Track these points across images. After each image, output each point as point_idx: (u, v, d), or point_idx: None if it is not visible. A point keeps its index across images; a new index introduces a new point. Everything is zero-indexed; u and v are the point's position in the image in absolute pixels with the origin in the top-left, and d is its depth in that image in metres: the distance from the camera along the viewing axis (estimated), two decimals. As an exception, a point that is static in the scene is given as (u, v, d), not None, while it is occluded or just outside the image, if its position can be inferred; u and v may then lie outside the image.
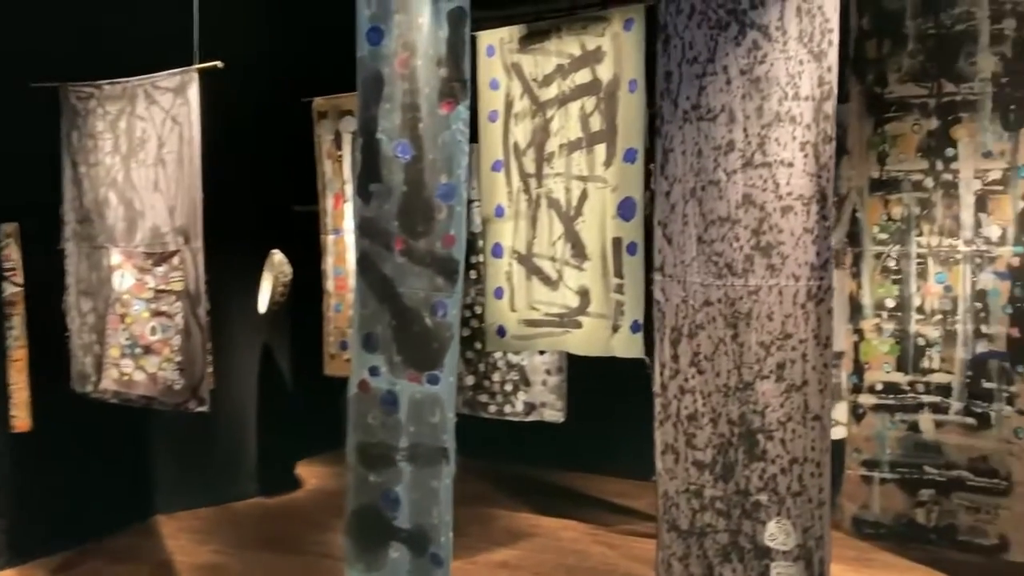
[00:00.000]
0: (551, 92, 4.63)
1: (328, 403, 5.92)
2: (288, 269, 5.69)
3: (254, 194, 5.96)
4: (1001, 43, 4.00)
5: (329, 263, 6.03)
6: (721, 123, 3.31)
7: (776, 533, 3.27)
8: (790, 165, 3.20)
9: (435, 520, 3.87)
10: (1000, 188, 4.04)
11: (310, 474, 7.00)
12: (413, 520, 3.93)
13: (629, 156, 4.66)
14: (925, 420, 4.23)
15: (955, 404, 4.16)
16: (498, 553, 5.36)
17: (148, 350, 4.90)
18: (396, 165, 3.94)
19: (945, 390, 4.18)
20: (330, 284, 6.03)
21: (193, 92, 4.68)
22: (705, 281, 3.38)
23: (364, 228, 4.01)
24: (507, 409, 5.88)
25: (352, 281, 5.75)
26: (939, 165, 4.16)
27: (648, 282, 4.52)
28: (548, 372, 5.81)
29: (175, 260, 4.80)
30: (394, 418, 3.96)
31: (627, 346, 4.82)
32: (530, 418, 5.84)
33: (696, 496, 3.41)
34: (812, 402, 3.19)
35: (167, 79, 4.80)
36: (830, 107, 3.14)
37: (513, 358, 5.83)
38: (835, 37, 3.14)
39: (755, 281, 3.28)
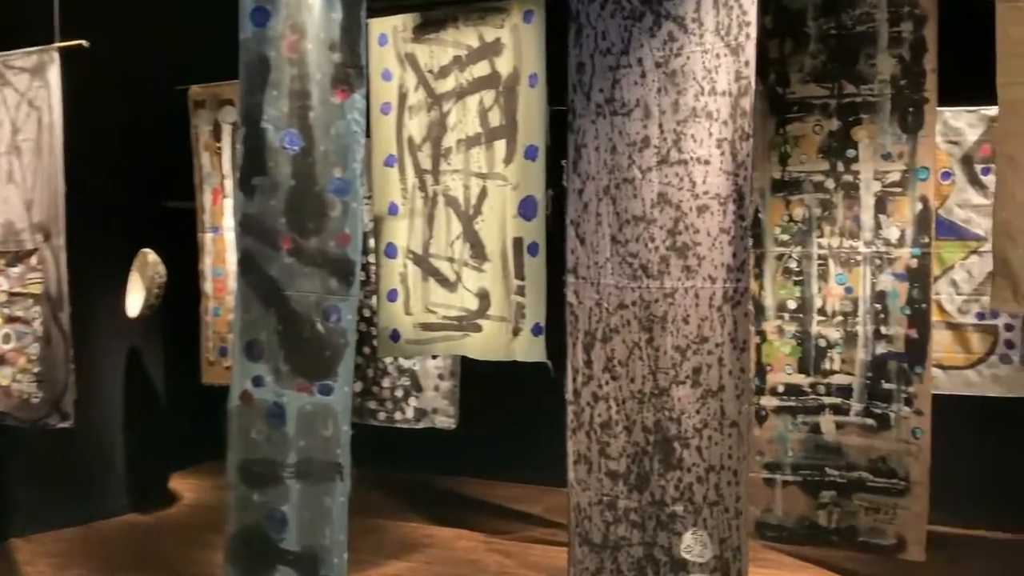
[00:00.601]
0: (448, 85, 4.43)
1: (206, 412, 5.54)
2: (163, 270, 5.29)
3: (123, 188, 5.54)
4: (899, 46, 4.01)
5: (207, 263, 5.65)
6: (636, 118, 3.18)
7: (692, 545, 3.16)
8: (707, 163, 3.09)
9: (327, 541, 3.62)
10: (899, 190, 4.06)
11: (186, 487, 6.57)
12: (302, 541, 3.66)
13: (530, 153, 4.52)
14: (826, 422, 4.22)
15: (855, 405, 4.17)
16: (390, 566, 5.12)
17: (1, 360, 4.44)
18: (283, 157, 3.67)
19: (846, 391, 4.18)
20: (208, 286, 5.65)
21: (53, 74, 4.27)
22: (619, 283, 3.24)
23: (247, 225, 3.72)
24: (397, 416, 5.64)
25: (233, 283, 5.40)
26: (840, 166, 4.16)
27: (551, 284, 4.41)
28: (440, 377, 5.60)
29: (33, 260, 4.36)
30: (281, 432, 3.68)
31: (528, 350, 4.67)
32: (421, 425, 5.62)
33: (610, 508, 3.27)
34: (729, 408, 3.09)
35: (23, 58, 4.36)
36: (747, 103, 3.05)
37: (404, 363, 5.59)
38: (753, 31, 3.05)
39: (671, 283, 3.17)
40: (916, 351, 4.05)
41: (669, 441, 3.16)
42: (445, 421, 5.57)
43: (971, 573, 4.60)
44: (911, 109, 4.00)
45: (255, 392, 3.73)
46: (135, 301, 5.44)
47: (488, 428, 5.96)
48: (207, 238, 5.66)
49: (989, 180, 4.39)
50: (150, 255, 5.35)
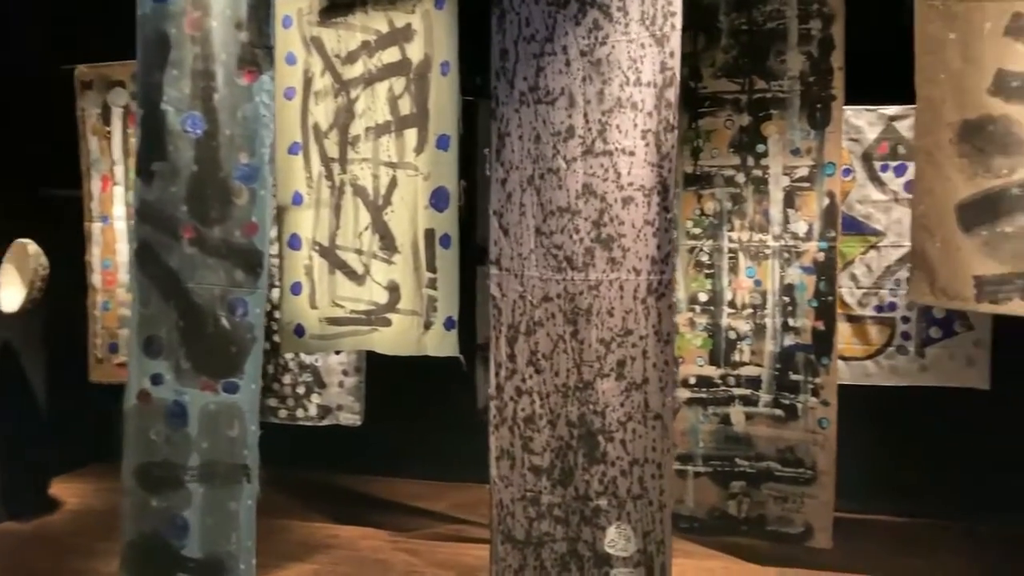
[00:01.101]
0: (356, 71, 4.28)
1: (91, 412, 5.22)
2: (45, 261, 4.94)
3: (-1, 175, 5.15)
4: (808, 43, 4.09)
5: (95, 255, 5.31)
6: (560, 107, 3.12)
7: (616, 539, 3.13)
8: (631, 154, 3.06)
9: (233, 547, 3.45)
10: (807, 185, 4.14)
11: (68, 492, 6.17)
12: (206, 548, 3.48)
13: (442, 143, 4.42)
14: (736, 413, 4.28)
15: (764, 396, 4.24)
16: (292, 569, 4.92)
17: None
18: (185, 141, 3.47)
19: (755, 383, 4.24)
20: (96, 279, 5.32)
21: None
22: (544, 275, 3.18)
23: (145, 214, 3.51)
24: (299, 414, 5.45)
25: (124, 275, 5.11)
26: (750, 161, 4.21)
27: (464, 276, 4.32)
28: (345, 373, 5.43)
29: (-100, 249, 4.01)
30: (182, 433, 3.49)
31: (440, 344, 4.57)
32: (325, 422, 5.44)
33: (533, 504, 3.21)
34: (653, 400, 3.08)
35: None
36: (672, 94, 3.03)
37: (306, 358, 5.40)
38: (678, 21, 3.03)
39: (595, 275, 3.12)
40: (822, 343, 4.14)
41: (593, 435, 3.12)
42: (350, 418, 5.41)
43: (874, 558, 4.74)
44: (819, 106, 4.08)
45: (154, 391, 3.52)
46: (12, 295, 5.07)
47: (394, 424, 5.83)
48: (95, 228, 5.33)
49: (887, 177, 4.53)
50: (30, 246, 5.00)
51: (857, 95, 4.33)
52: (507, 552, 3.22)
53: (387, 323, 4.41)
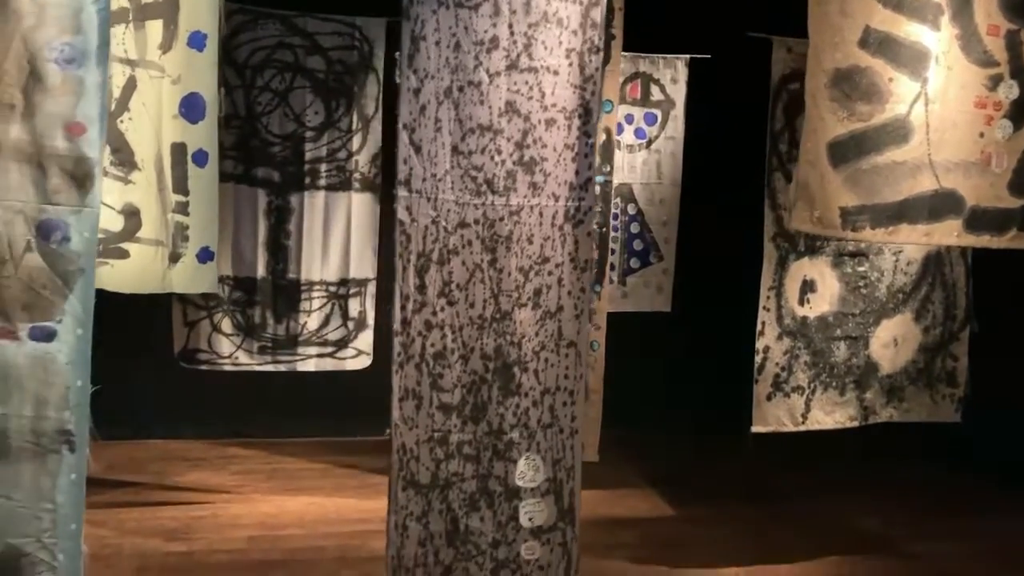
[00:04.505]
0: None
1: None
2: None
3: None
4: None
5: None
6: (484, 14, 2.86)
7: (525, 470, 3.05)
8: (556, 73, 2.93)
9: (46, 534, 2.68)
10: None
11: None
12: (3, 540, 2.66)
13: (196, 41, 3.83)
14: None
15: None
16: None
17: None
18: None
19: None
20: None
21: None
22: (461, 199, 2.92)
23: None
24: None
25: None
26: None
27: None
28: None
29: None
30: (-44, 396, 2.60)
31: (192, 279, 4.01)
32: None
33: (441, 444, 2.97)
34: (567, 328, 3.04)
35: None
36: (598, 14, 2.96)
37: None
38: (605, -65, 2.96)
39: (517, 200, 2.96)
40: (595, 271, 4.38)
41: (509, 367, 2.99)
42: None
43: (638, 470, 5.32)
44: (600, 44, 4.25)
45: (-91, 345, 2.55)
46: None
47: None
48: None
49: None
50: None
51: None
52: (409, 499, 2.94)
53: (123, 255, 3.72)
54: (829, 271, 4.45)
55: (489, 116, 2.92)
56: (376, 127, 5.04)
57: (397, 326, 2.91)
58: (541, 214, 3.00)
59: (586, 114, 2.99)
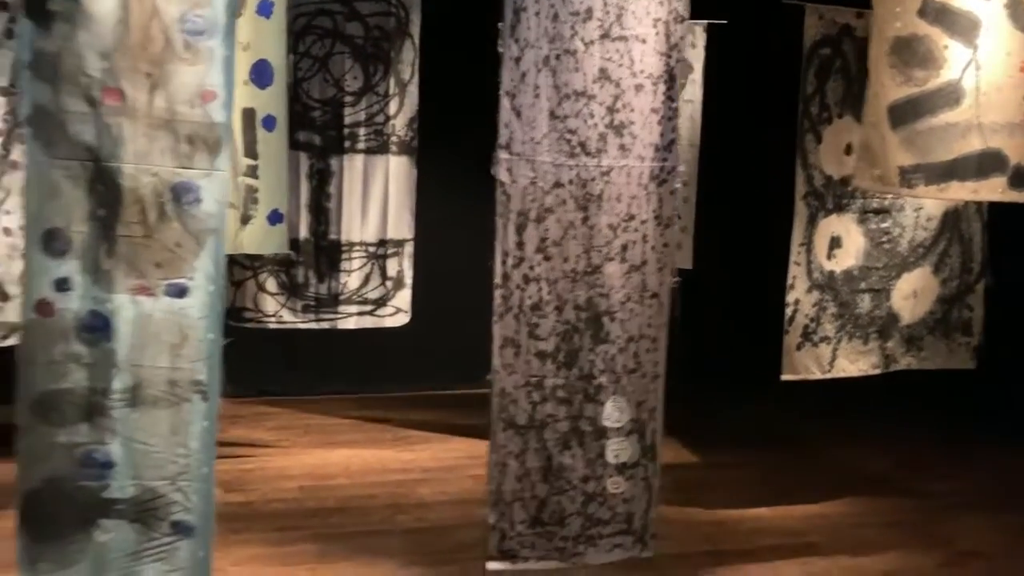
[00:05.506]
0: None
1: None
2: None
3: None
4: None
5: None
6: (579, -14, 3.05)
7: (611, 412, 3.30)
8: (644, 41, 3.14)
9: (182, 476, 2.86)
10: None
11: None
12: (139, 482, 2.84)
13: (264, 9, 3.96)
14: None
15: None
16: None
17: None
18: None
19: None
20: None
21: None
22: (557, 160, 3.12)
23: (40, 69, 2.63)
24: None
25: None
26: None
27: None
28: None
29: None
30: (102, 349, 2.77)
31: (263, 241, 4.16)
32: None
33: (537, 388, 3.21)
34: (651, 281, 3.27)
35: None
36: (683, -16, 3.17)
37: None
38: (693, -82, 3.14)
39: (608, 161, 3.17)
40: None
41: (599, 317, 3.22)
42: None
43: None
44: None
45: (58, 300, 2.71)
46: None
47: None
48: None
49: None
50: None
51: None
52: (508, 439, 3.18)
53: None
54: (855, 227, 4.72)
55: (584, 82, 3.13)
56: (412, 91, 5.16)
57: (498, 280, 3.12)
58: (629, 174, 3.22)
59: (670, 80, 3.21)
